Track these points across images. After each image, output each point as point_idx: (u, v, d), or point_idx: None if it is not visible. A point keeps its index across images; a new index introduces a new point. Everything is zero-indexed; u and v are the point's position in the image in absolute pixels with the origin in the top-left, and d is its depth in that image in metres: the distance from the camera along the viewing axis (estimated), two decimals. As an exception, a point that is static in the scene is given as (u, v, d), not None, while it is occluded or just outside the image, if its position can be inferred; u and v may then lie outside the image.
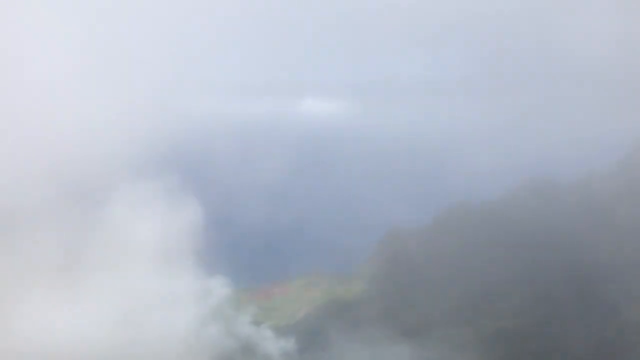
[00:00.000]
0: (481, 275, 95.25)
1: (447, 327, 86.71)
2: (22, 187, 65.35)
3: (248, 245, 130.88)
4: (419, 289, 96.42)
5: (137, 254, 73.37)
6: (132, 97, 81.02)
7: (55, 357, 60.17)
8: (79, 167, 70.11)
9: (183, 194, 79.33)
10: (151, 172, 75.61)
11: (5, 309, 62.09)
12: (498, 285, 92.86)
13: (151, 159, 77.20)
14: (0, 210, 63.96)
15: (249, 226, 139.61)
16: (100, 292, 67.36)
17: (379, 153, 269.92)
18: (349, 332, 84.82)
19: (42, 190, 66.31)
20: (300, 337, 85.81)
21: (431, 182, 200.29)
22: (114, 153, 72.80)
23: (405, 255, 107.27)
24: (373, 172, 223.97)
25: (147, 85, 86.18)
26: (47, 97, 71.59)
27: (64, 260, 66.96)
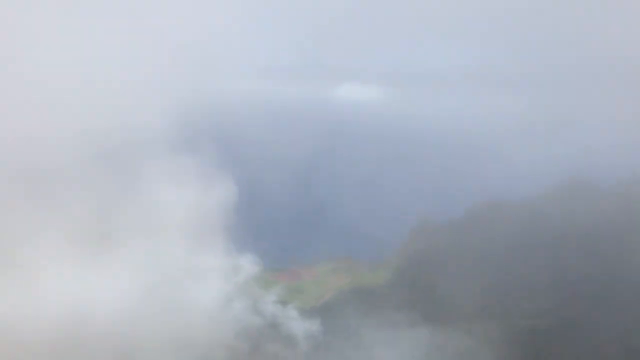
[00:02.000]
0: (511, 272, 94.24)
1: (471, 321, 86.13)
2: (59, 153, 66.63)
3: (279, 226, 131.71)
4: (446, 281, 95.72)
5: (170, 227, 74.51)
6: (171, 74, 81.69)
7: (83, 324, 61.61)
8: (115, 138, 71.27)
9: (217, 171, 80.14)
10: (187, 147, 76.52)
11: (37, 273, 63.57)
12: (527, 283, 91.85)
13: (187, 135, 78.11)
14: (36, 177, 65.41)
15: (281, 207, 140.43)
16: (130, 262, 68.64)
17: (415, 142, 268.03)
18: (373, 319, 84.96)
19: (78, 158, 67.57)
20: (324, 320, 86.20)
21: (466, 175, 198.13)
22: (151, 126, 73.69)
23: (434, 247, 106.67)
24: (408, 162, 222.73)
25: (186, 64, 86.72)
26: (86, 67, 72.65)
27: (96, 229, 68.27)
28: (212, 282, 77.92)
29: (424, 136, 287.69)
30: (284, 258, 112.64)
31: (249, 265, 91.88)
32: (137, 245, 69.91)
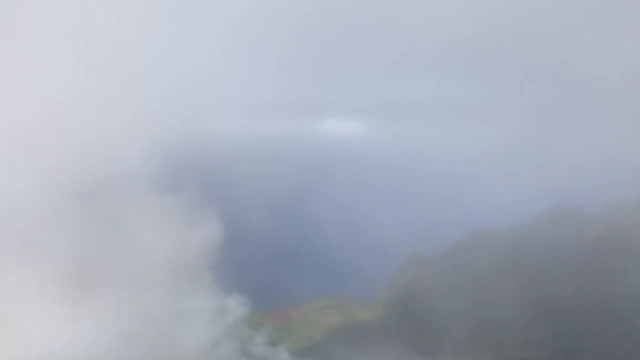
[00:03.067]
0: (501, 303, 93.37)
1: (464, 354, 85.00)
2: (40, 193, 65.65)
3: (266, 265, 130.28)
4: (437, 314, 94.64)
5: (154, 268, 73.10)
6: (155, 113, 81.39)
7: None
8: (99, 177, 70.41)
9: (202, 210, 79.21)
10: (172, 187, 75.74)
11: (20, 318, 61.97)
12: (519, 314, 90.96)
13: (172, 175, 77.40)
14: (18, 222, 64.25)
15: (268, 246, 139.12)
16: (114, 305, 67.01)
17: (400, 176, 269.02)
18: (366, 356, 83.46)
19: (61, 198, 66.53)
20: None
21: (452, 207, 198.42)
22: (135, 168, 72.97)
23: (424, 280, 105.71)
24: (394, 196, 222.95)
25: (171, 103, 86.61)
26: (68, 110, 72.20)
27: (79, 271, 66.85)
28: (198, 324, 76.22)
29: (409, 169, 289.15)
30: (273, 297, 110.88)
31: (236, 306, 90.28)
32: (121, 287, 68.40)
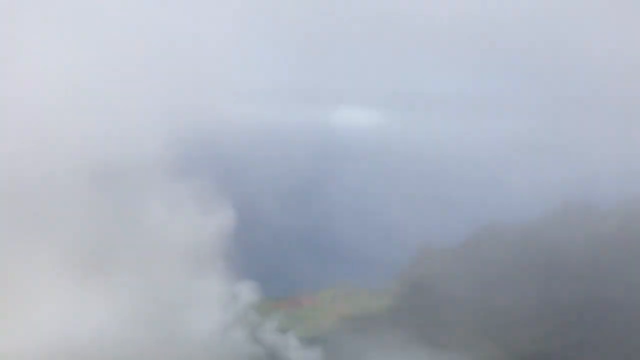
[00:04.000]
0: (512, 297, 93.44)
1: (474, 346, 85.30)
2: (55, 178, 66.30)
3: (278, 253, 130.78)
4: (447, 307, 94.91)
5: (168, 254, 73.76)
6: (169, 100, 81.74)
7: (78, 353, 60.54)
8: (112, 163, 70.93)
9: (216, 197, 79.68)
10: (185, 173, 76.11)
11: (33, 300, 62.81)
12: (529, 308, 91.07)
13: (186, 161, 77.79)
14: (35, 205, 64.98)
15: (280, 234, 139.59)
16: (127, 290, 67.77)
17: (413, 168, 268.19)
18: (375, 345, 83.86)
19: (75, 184, 67.15)
20: (325, 348, 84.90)
21: (466, 200, 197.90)
22: (149, 153, 73.43)
23: (435, 273, 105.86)
24: (408, 188, 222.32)
25: (185, 89, 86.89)
26: (83, 91, 72.62)
27: (92, 256, 67.56)
28: (210, 310, 76.86)
29: (422, 161, 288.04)
30: (284, 285, 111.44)
31: (248, 292, 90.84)
32: (133, 272, 69.11)
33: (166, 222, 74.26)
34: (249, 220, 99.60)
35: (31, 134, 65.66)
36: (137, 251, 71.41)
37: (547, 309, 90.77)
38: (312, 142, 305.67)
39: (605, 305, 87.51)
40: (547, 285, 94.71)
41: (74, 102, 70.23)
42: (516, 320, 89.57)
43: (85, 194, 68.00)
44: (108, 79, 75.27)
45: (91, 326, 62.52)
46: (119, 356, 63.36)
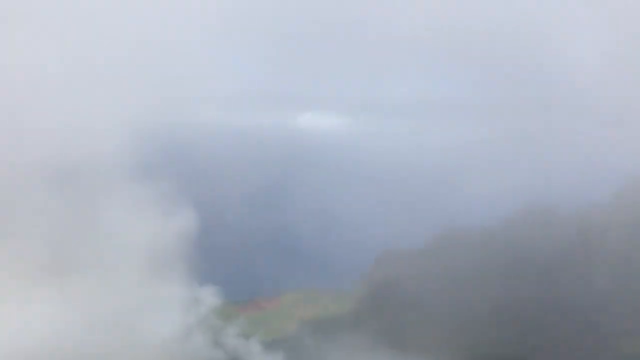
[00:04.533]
0: (474, 300, 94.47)
1: (436, 349, 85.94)
2: (10, 179, 64.67)
3: (241, 257, 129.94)
4: (410, 310, 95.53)
5: (128, 257, 72.47)
6: (132, 102, 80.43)
7: (36, 358, 59.09)
8: (71, 164, 69.46)
9: (179, 200, 78.69)
10: (146, 177, 74.95)
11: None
12: (491, 311, 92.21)
13: (149, 163, 76.65)
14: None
15: (243, 238, 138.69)
16: (86, 294, 66.35)
17: (376, 171, 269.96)
18: (338, 349, 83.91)
19: (32, 184, 65.59)
20: (288, 352, 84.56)
21: (428, 203, 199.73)
22: (110, 156, 72.16)
23: (398, 276, 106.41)
24: (370, 191, 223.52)
25: (149, 92, 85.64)
26: (43, 96, 71.08)
27: (52, 260, 66.02)
28: (171, 314, 75.73)
29: (386, 165, 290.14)
30: (247, 289, 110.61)
31: (209, 297, 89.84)
32: (92, 275, 67.71)
33: (127, 224, 72.94)
34: (212, 223, 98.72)
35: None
36: (97, 254, 70.04)
37: (508, 312, 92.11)
38: (275, 146, 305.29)
39: (564, 307, 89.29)
40: (507, 288, 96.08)
41: (33, 100, 68.59)
42: (477, 322, 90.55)
43: (43, 195, 66.45)
44: (71, 77, 73.79)
45: (48, 331, 61.08)
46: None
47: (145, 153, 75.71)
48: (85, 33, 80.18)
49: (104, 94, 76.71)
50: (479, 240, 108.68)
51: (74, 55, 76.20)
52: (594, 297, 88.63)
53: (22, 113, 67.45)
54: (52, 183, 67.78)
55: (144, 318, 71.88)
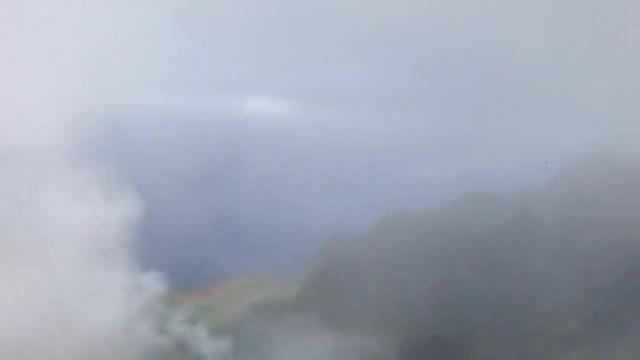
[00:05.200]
0: (416, 284, 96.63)
1: (378, 330, 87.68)
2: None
3: (186, 243, 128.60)
4: (356, 294, 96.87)
5: (69, 245, 70.71)
6: (73, 85, 78.13)
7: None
8: (12, 152, 67.27)
9: (122, 185, 77.13)
10: (89, 160, 73.18)
11: None
12: (434, 294, 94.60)
13: (90, 149, 74.82)
14: None
15: (187, 224, 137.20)
16: (27, 281, 64.54)
17: (322, 158, 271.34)
18: (284, 332, 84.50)
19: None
20: (235, 337, 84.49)
21: (372, 189, 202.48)
22: (49, 139, 70.08)
23: (344, 261, 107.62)
24: (315, 177, 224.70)
25: (90, 75, 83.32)
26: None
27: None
28: (114, 301, 74.39)
29: (331, 152, 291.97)
30: (192, 276, 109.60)
31: (154, 283, 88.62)
32: (32, 263, 65.77)
33: (68, 210, 71.07)
34: (156, 209, 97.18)
35: None
36: (37, 241, 68.05)
37: (449, 294, 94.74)
38: (221, 132, 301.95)
39: (502, 289, 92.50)
40: (449, 270, 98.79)
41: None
42: (419, 304, 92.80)
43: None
44: (11, 60, 71.08)
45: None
46: (17, 351, 60.45)
47: (87, 137, 73.82)
48: (27, 16, 77.38)
49: (45, 77, 74.31)
50: (422, 225, 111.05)
51: (15, 38, 73.45)
52: (531, 279, 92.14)
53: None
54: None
55: (86, 305, 70.55)
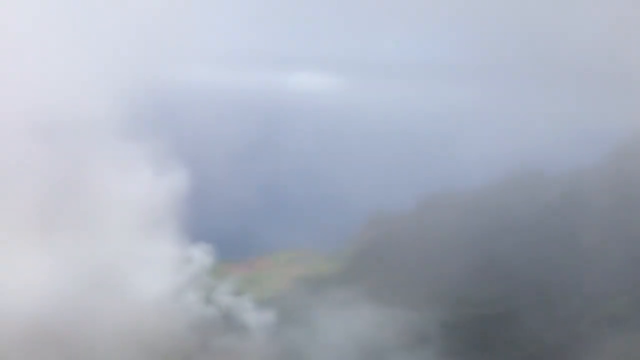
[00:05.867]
0: (463, 261, 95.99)
1: (426, 309, 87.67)
2: (4, 140, 64.05)
3: (232, 216, 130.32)
4: (399, 270, 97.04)
5: (118, 215, 72.55)
6: (123, 60, 79.32)
7: (26, 317, 59.45)
8: (59, 122, 68.87)
9: (170, 159, 78.47)
10: (136, 134, 74.47)
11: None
12: (479, 272, 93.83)
13: (139, 122, 76.11)
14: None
15: (234, 198, 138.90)
16: (76, 253, 66.40)
17: (368, 133, 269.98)
18: (327, 306, 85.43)
19: (18, 143, 65.00)
20: (280, 310, 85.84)
21: (418, 166, 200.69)
22: (101, 112, 71.53)
23: (388, 237, 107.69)
24: (362, 153, 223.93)
25: (139, 50, 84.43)
26: (34, 51, 69.86)
27: (39, 218, 65.87)
28: (162, 272, 76.23)
29: (376, 127, 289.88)
30: (239, 249, 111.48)
31: (201, 255, 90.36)
32: (83, 234, 67.74)
33: (118, 182, 72.82)
34: (204, 182, 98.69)
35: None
36: (88, 213, 69.97)
37: (495, 272, 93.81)
38: (268, 106, 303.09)
39: (550, 268, 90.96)
40: (495, 248, 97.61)
41: (21, 59, 67.50)
42: (465, 282, 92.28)
43: (33, 154, 65.97)
44: (60, 35, 72.51)
45: (37, 290, 61.30)
46: (69, 320, 62.56)
47: (136, 111, 75.08)
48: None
49: (96, 51, 75.64)
50: (467, 202, 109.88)
51: (65, 10, 74.80)
52: (579, 259, 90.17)
53: (14, 66, 66.40)
54: (43, 142, 67.29)
55: (135, 276, 72.26)
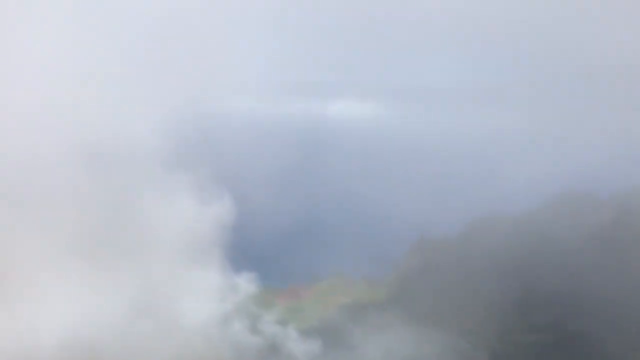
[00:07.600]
0: (510, 287, 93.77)
1: (471, 336, 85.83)
2: (49, 168, 65.88)
3: (277, 245, 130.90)
4: (445, 297, 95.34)
5: (166, 245, 73.63)
6: (169, 91, 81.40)
7: (73, 345, 60.39)
8: (108, 153, 70.57)
9: (214, 188, 79.58)
10: (184, 165, 75.90)
11: (25, 292, 62.45)
12: (528, 299, 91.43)
13: (185, 153, 77.59)
14: (29, 194, 64.58)
15: (278, 226, 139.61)
16: (123, 281, 67.50)
17: (411, 159, 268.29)
18: (373, 335, 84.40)
19: (69, 174, 66.73)
20: (325, 339, 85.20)
21: (463, 191, 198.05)
22: (148, 143, 73.18)
23: (433, 263, 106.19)
24: (404, 179, 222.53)
25: (184, 81, 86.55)
26: (77, 76, 71.99)
27: (88, 247, 67.23)
28: (209, 301, 76.88)
29: (420, 152, 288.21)
30: (283, 277, 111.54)
31: (246, 284, 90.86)
32: (130, 263, 68.93)
33: (164, 213, 74.10)
34: (247, 212, 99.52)
35: (26, 122, 65.24)
36: (135, 242, 71.21)
37: (542, 300, 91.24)
38: (309, 135, 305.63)
39: (602, 296, 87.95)
40: (544, 274, 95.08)
41: (70, 90, 69.76)
42: (512, 309, 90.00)
43: (81, 184, 67.71)
44: (107, 67, 74.86)
45: (85, 318, 62.32)
46: (117, 348, 63.35)
47: (181, 141, 76.66)
48: (119, 25, 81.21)
49: (142, 84, 77.75)
50: (514, 228, 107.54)
51: (112, 48, 77.31)
52: (630, 286, 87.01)
53: (64, 97, 68.65)
54: (92, 172, 69.03)
55: (181, 305, 72.97)
